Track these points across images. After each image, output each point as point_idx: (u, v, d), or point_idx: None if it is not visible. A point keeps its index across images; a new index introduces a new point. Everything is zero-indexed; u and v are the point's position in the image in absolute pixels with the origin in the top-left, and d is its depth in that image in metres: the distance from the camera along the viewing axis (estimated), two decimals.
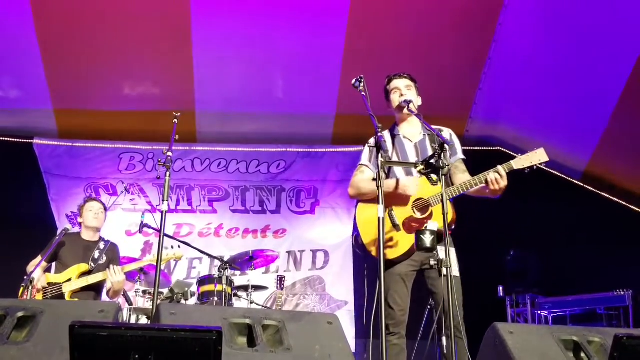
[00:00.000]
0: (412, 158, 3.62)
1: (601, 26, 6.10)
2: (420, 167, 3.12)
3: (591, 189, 7.67)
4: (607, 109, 6.62)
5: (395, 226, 3.43)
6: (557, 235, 7.29)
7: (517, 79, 7.16)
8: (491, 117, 7.70)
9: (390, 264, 3.44)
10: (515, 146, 7.97)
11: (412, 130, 3.74)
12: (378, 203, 2.87)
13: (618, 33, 6.03)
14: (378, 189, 2.89)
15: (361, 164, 3.79)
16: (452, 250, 3.29)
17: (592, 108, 6.79)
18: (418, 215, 3.44)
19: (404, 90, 3.71)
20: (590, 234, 7.13)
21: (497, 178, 3.28)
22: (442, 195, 3.01)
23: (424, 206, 3.44)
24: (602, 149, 7.08)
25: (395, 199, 3.48)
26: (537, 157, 3.28)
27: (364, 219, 3.62)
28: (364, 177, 3.69)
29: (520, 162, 3.30)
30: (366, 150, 3.81)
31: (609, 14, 5.97)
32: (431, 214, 3.39)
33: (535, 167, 3.30)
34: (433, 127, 3.47)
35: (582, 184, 7.73)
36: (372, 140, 3.62)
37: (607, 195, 7.58)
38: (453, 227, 3.41)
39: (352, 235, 3.73)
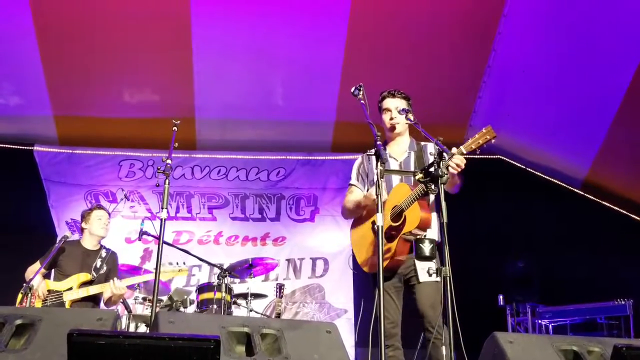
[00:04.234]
0: (396, 178, 3.63)
1: (601, 35, 6.12)
2: (419, 175, 3.13)
3: (591, 197, 7.65)
4: (607, 117, 6.63)
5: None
6: (557, 243, 7.28)
7: (517, 88, 7.17)
8: (491, 125, 7.69)
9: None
10: (515, 154, 7.97)
11: (398, 148, 3.75)
12: (377, 211, 2.88)
13: (617, 41, 6.05)
14: (377, 197, 2.89)
15: (350, 184, 3.84)
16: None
17: (592, 116, 6.80)
18: (394, 223, 3.45)
19: (394, 113, 3.69)
20: (590, 243, 7.11)
21: (457, 164, 3.23)
22: (440, 201, 3.01)
23: (398, 213, 3.45)
24: (602, 158, 7.07)
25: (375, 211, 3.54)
26: (483, 137, 3.23)
27: (355, 240, 3.70)
28: (351, 198, 3.74)
29: (469, 145, 3.25)
30: (354, 169, 3.86)
31: (609, 23, 5.98)
32: (405, 219, 3.39)
33: (485, 145, 3.24)
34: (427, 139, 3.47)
35: (582, 193, 7.72)
36: (371, 150, 3.64)
37: (607, 204, 7.57)
38: (427, 231, 3.40)
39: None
